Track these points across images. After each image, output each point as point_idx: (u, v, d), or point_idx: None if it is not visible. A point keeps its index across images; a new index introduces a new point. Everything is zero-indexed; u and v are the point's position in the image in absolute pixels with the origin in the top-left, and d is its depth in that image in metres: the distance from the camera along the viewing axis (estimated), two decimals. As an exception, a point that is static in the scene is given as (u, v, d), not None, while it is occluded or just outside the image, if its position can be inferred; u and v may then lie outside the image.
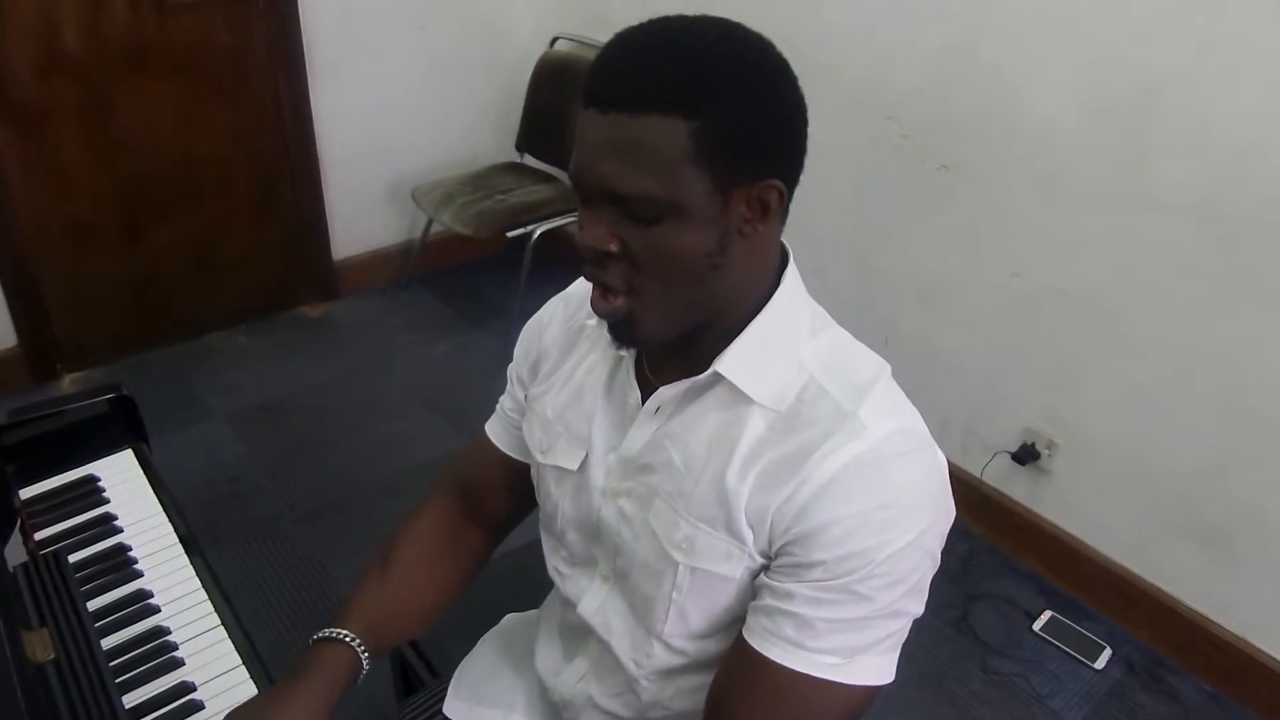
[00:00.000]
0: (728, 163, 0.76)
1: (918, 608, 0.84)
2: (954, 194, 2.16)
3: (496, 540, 1.14)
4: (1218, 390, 1.84)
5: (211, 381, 2.80)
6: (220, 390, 2.76)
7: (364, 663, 0.96)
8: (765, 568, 0.85)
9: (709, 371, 0.85)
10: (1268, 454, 1.80)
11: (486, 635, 1.23)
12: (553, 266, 3.27)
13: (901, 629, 0.84)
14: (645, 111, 0.74)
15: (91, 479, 1.33)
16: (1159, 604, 2.05)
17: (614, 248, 0.79)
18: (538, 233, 2.84)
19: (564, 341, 1.02)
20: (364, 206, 3.16)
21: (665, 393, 0.88)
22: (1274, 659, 1.90)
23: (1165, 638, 2.06)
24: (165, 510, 1.28)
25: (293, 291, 3.14)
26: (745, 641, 0.84)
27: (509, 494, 1.10)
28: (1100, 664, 2.02)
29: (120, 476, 1.34)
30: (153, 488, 1.32)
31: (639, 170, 0.75)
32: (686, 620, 0.90)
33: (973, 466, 2.24)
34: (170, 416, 2.59)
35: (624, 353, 0.93)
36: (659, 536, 0.89)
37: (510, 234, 2.80)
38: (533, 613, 1.22)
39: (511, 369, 1.09)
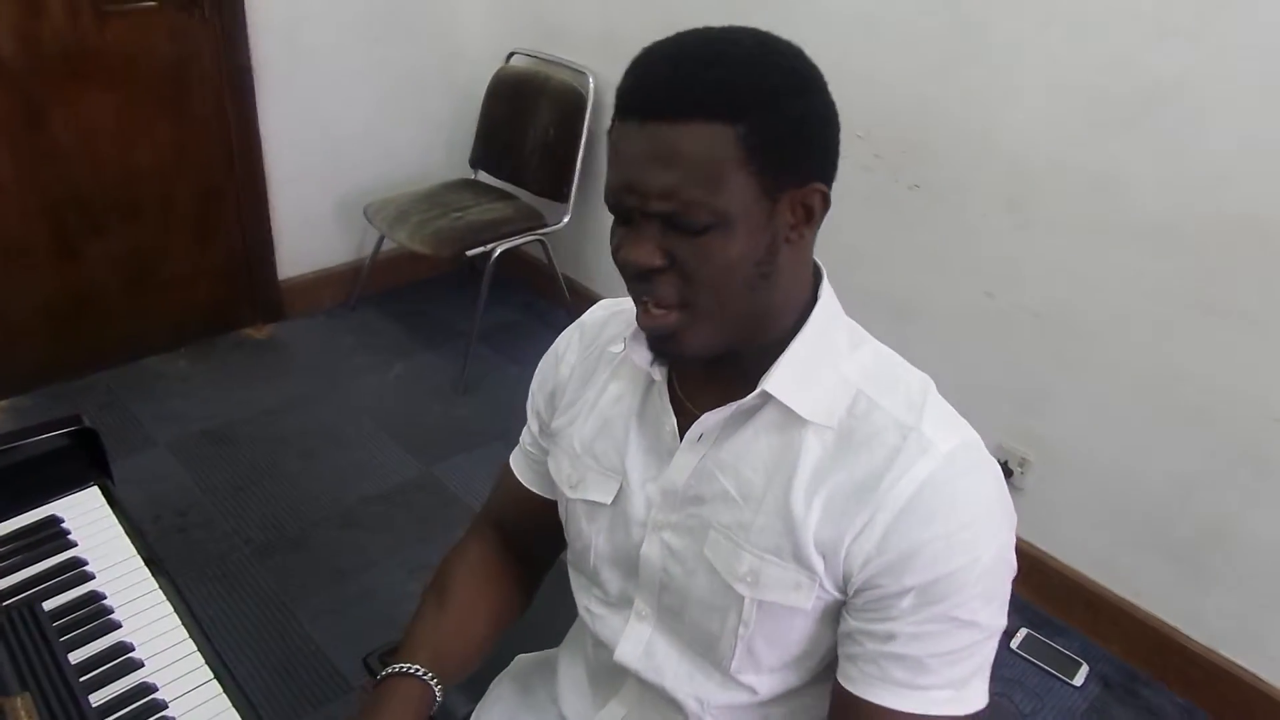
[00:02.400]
0: (774, 168, 0.74)
1: (1005, 621, 0.83)
2: (925, 214, 2.17)
3: (535, 578, 1.09)
4: (1187, 408, 1.87)
5: (152, 408, 2.65)
6: (162, 417, 2.61)
7: (436, 694, 0.92)
8: (843, 604, 0.82)
9: (757, 392, 0.82)
10: (1235, 468, 1.83)
11: (498, 679, 1.16)
12: (508, 286, 3.22)
13: (994, 649, 0.82)
14: (689, 119, 0.72)
15: (54, 520, 1.22)
16: (1131, 618, 2.07)
17: (660, 262, 0.76)
18: (498, 251, 2.77)
19: (582, 370, 0.98)
20: (312, 224, 3.05)
21: (709, 419, 0.85)
22: (1242, 668, 1.93)
23: (1138, 652, 2.08)
24: (139, 552, 1.18)
25: (236, 313, 3.00)
26: (848, 692, 0.81)
27: (539, 530, 1.05)
28: (1079, 680, 2.03)
29: (86, 517, 1.23)
30: (123, 527, 1.22)
31: (686, 179, 0.72)
32: (754, 655, 0.86)
33: (945, 485, 2.24)
34: (108, 446, 2.43)
35: (657, 376, 0.89)
36: (719, 571, 0.85)
37: (470, 253, 2.73)
38: (548, 652, 1.15)
39: (529, 403, 1.05)
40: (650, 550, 0.90)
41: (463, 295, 3.15)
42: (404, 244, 2.75)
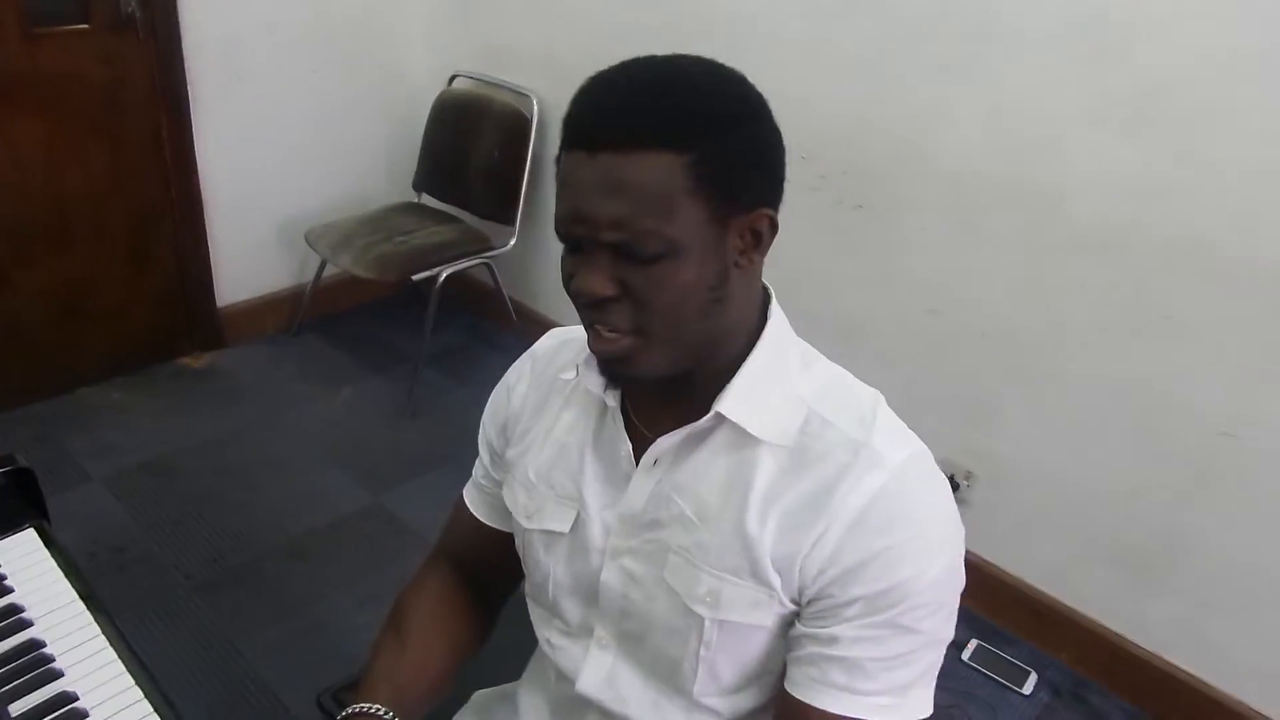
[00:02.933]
0: (723, 195, 0.75)
1: (951, 635, 0.84)
2: (870, 233, 2.20)
3: (493, 611, 1.07)
4: (1130, 418, 1.91)
5: (85, 441, 2.56)
6: (96, 451, 2.53)
7: None
8: (797, 615, 0.82)
9: (710, 415, 0.82)
10: (1177, 476, 1.88)
11: (457, 715, 1.13)
12: (454, 309, 3.18)
13: (940, 658, 0.83)
14: (639, 149, 0.73)
15: (-12, 565, 1.17)
16: (1078, 626, 2.10)
17: (613, 291, 0.77)
18: (444, 275, 2.74)
19: (535, 399, 0.98)
20: (251, 250, 2.99)
21: (664, 443, 0.85)
22: (1188, 673, 1.97)
23: (1086, 659, 2.12)
24: (82, 597, 1.14)
25: (173, 341, 2.92)
26: (791, 696, 0.82)
27: (495, 562, 1.04)
28: (1028, 689, 2.06)
29: (23, 560, 1.18)
30: (63, 571, 1.17)
31: (637, 208, 0.73)
32: (717, 676, 0.87)
33: (895, 500, 2.26)
34: (40, 481, 2.34)
35: (610, 402, 0.89)
36: (679, 593, 0.85)
37: (416, 277, 2.69)
38: (506, 687, 1.13)
39: (480, 435, 1.04)
40: (610, 577, 0.90)
41: (407, 319, 3.11)
42: (348, 269, 2.71)
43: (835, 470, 0.80)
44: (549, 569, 0.94)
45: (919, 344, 2.18)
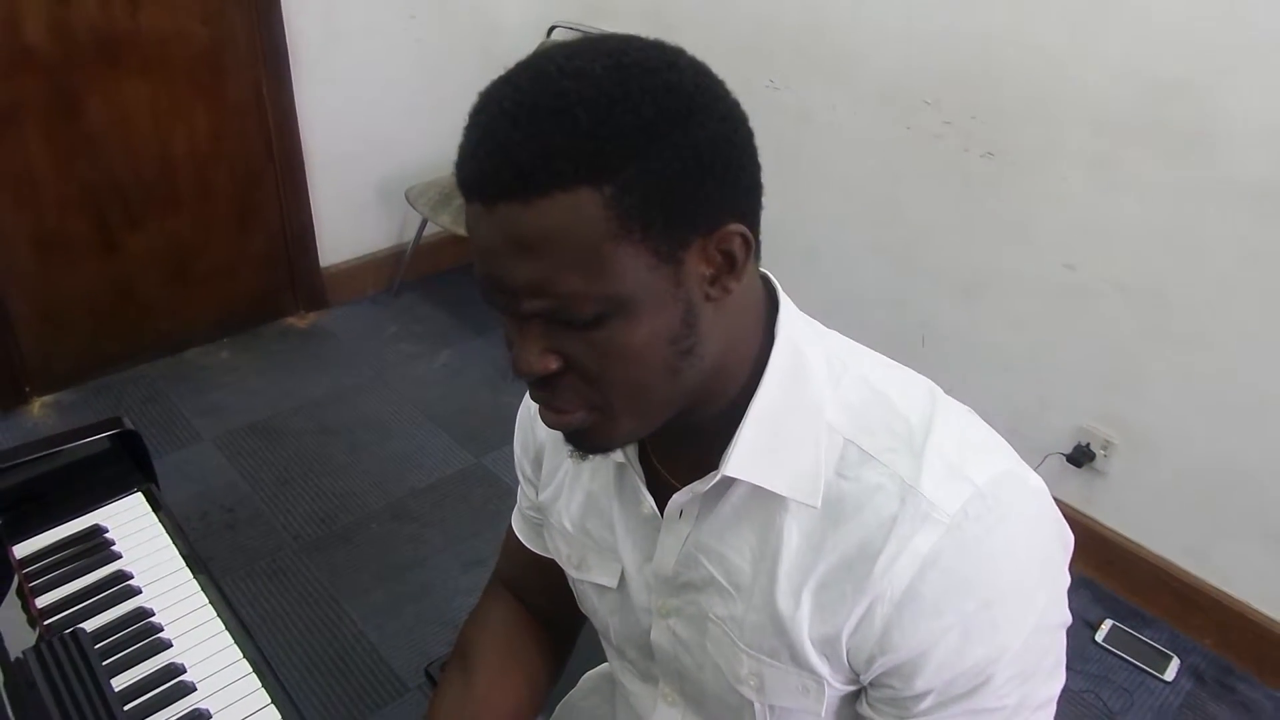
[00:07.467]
0: (665, 225, 0.58)
1: (1059, 684, 0.71)
2: (1001, 183, 2.04)
3: (564, 642, 0.99)
4: (1290, 386, 1.74)
5: (195, 401, 2.60)
6: (205, 410, 2.57)
7: None
8: (862, 690, 0.71)
9: (718, 476, 0.68)
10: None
11: (566, 698, 1.08)
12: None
13: (1050, 714, 0.71)
14: (542, 193, 0.56)
15: (97, 530, 1.15)
16: (1224, 608, 1.95)
17: (555, 366, 0.62)
18: (544, 233, 2.67)
19: None
20: (353, 209, 2.98)
21: (678, 498, 0.72)
22: (1349, 663, 1.81)
23: (1232, 644, 1.96)
24: (189, 564, 1.12)
25: (278, 301, 2.94)
26: None
27: (557, 592, 0.92)
28: (1170, 675, 1.92)
29: (131, 525, 1.17)
30: (170, 536, 1.16)
31: (555, 269, 0.58)
32: None
33: (1022, 470, 2.12)
34: (153, 441, 2.39)
35: (618, 458, 0.76)
36: (723, 670, 0.74)
37: (515, 235, 2.63)
38: (605, 667, 1.07)
39: (517, 468, 0.94)
40: (660, 638, 0.80)
41: (507, 279, 3.06)
42: (448, 228, 2.67)
43: (877, 525, 0.65)
44: (605, 618, 0.85)
45: (1052, 302, 2.02)
